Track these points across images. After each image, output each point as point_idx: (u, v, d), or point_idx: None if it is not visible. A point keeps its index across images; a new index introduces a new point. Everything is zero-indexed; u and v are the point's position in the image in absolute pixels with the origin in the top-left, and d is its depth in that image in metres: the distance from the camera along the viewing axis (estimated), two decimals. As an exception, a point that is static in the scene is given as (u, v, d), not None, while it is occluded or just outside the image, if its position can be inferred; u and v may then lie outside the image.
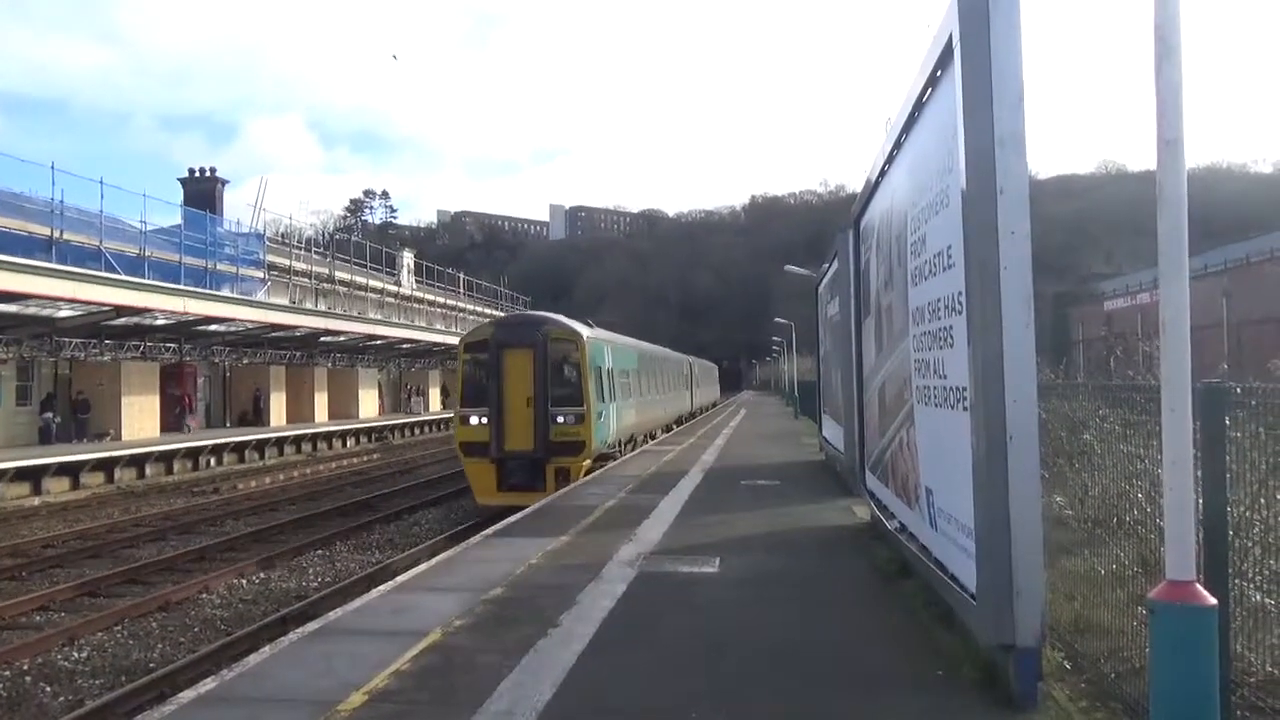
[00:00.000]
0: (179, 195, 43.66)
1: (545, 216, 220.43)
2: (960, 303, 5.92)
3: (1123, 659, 5.52)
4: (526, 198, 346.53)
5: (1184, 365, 3.94)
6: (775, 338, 78.65)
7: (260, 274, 41.27)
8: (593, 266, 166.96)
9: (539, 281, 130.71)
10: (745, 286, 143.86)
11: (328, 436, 40.16)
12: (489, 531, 12.59)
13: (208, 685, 6.32)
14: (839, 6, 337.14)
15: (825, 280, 19.72)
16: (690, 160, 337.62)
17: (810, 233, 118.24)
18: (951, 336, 6.25)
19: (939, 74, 6.51)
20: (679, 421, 41.27)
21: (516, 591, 8.86)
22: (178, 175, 46.85)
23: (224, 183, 46.23)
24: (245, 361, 38.28)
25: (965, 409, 5.86)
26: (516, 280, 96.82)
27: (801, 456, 23.61)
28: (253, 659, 6.95)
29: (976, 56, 5.51)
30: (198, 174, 45.79)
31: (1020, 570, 5.29)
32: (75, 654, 10.55)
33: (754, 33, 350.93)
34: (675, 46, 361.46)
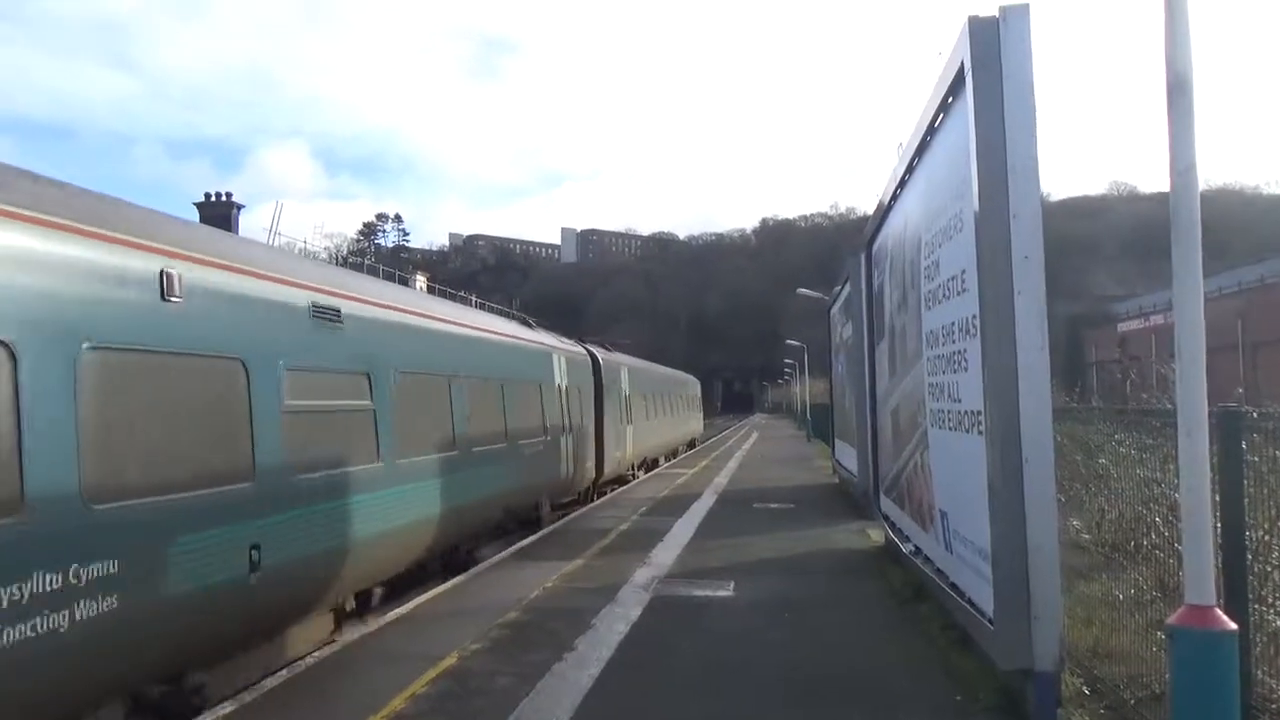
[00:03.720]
0: (194, 218, 44.14)
1: (557, 240, 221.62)
2: (975, 326, 5.94)
3: (1142, 685, 5.49)
4: (538, 221, 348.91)
5: (1200, 389, 3.96)
6: (787, 360, 78.64)
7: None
8: (604, 289, 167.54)
9: (550, 304, 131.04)
10: (756, 309, 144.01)
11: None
12: (503, 555, 12.60)
13: (226, 709, 6.35)
14: (850, 33, 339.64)
15: (838, 303, 19.76)
16: (701, 184, 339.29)
17: (821, 256, 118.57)
18: (966, 360, 6.28)
19: (950, 100, 6.58)
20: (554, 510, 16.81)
21: (531, 615, 8.87)
22: (192, 200, 47.35)
23: (240, 207, 46.46)
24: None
25: (980, 432, 5.88)
26: (528, 303, 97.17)
27: (815, 480, 23.52)
28: (269, 683, 6.98)
29: (988, 84, 5.57)
30: (213, 198, 46.25)
31: (1038, 594, 5.28)
32: None
33: (765, 58, 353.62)
34: (686, 72, 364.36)
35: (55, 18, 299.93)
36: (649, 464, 29.17)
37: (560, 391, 17.22)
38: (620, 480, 23.72)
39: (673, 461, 33.01)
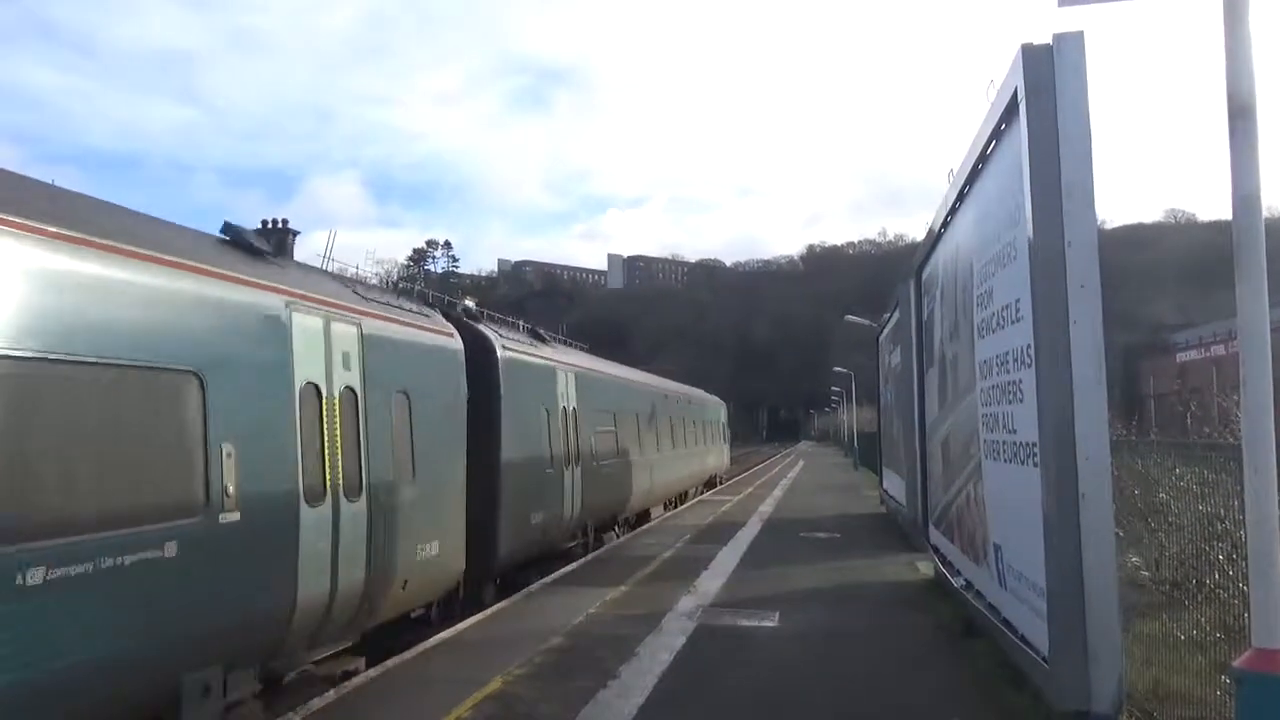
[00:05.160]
0: (252, 245, 45.30)
1: (602, 265, 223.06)
2: (1030, 356, 5.84)
3: (1206, 729, 5.29)
4: (582, 247, 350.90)
5: (1267, 423, 3.84)
6: (834, 388, 77.89)
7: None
8: (650, 315, 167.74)
9: (597, 329, 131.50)
10: (803, 336, 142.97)
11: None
12: (547, 580, 12.60)
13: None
14: (899, 60, 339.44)
15: (886, 331, 19.58)
16: (747, 211, 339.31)
17: (869, 283, 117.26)
18: (1021, 391, 6.17)
19: (1003, 128, 6.52)
20: None
21: (575, 641, 8.84)
22: (250, 228, 48.60)
23: (296, 233, 47.67)
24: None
25: (1036, 464, 5.76)
26: (575, 328, 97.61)
27: (862, 509, 23.17)
28: (315, 703, 7.03)
29: (1042, 111, 5.52)
30: (270, 225, 47.46)
31: (1095, 633, 5.14)
32: None
33: (811, 84, 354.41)
34: (730, 99, 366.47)
35: (125, 52, 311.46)
36: (632, 520, 19.84)
37: (333, 405, 7.58)
38: (556, 555, 14.05)
39: (715, 489, 32.74)
